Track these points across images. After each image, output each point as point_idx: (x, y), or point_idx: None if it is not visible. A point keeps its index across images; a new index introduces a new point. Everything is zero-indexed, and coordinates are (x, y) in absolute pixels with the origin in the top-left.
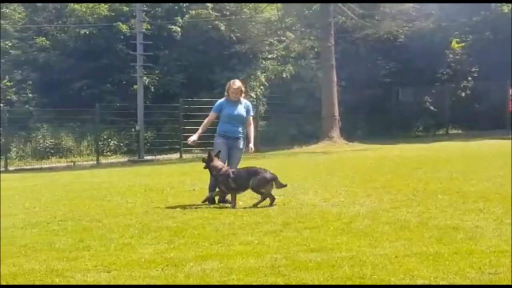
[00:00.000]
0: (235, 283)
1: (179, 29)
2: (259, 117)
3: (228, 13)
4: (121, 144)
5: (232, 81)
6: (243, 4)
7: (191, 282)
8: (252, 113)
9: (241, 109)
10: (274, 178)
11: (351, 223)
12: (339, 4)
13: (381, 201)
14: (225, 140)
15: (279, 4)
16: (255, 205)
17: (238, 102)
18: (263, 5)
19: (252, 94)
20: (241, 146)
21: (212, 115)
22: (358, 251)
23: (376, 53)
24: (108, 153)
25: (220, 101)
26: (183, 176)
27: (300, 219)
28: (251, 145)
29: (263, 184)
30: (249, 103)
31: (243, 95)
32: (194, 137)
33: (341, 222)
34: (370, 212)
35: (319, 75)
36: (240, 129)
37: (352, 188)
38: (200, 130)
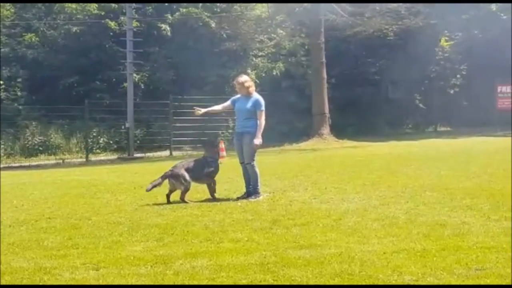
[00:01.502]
0: (225, 280)
1: (168, 27)
2: None
3: (218, 10)
4: (111, 142)
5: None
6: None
7: (180, 279)
8: (261, 108)
9: (248, 104)
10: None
11: (340, 220)
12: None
13: (370, 198)
14: (236, 136)
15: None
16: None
17: (248, 97)
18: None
19: None
20: (247, 141)
21: (226, 102)
22: (346, 248)
23: (366, 50)
24: (98, 151)
25: (236, 96)
26: None
27: (290, 216)
28: (255, 139)
29: None
30: (258, 98)
31: (251, 89)
32: (202, 110)
33: (330, 219)
34: (359, 209)
35: (310, 72)
36: (247, 124)
37: (341, 185)
38: (211, 108)
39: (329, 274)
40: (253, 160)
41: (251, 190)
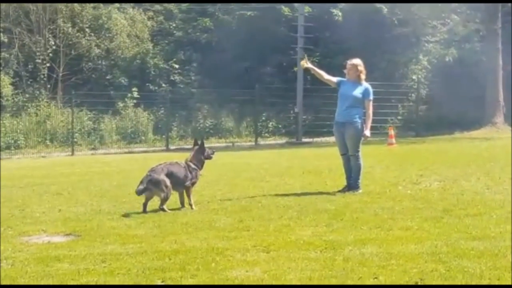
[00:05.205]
0: (395, 268)
1: (340, 12)
2: (420, 101)
3: None
4: (280, 126)
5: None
6: None
7: (350, 265)
8: (370, 97)
9: (355, 90)
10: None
11: None
12: None
13: None
14: (337, 126)
15: None
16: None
17: (357, 83)
18: None
19: (414, 77)
20: (351, 132)
21: (333, 77)
22: None
23: None
24: (267, 135)
25: (343, 78)
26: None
27: (461, 206)
28: (366, 131)
29: None
30: (368, 86)
31: (362, 75)
32: (309, 64)
33: (504, 210)
34: None
35: (484, 59)
36: (350, 112)
37: None
38: (319, 70)
39: (504, 267)
40: (358, 151)
41: (352, 183)
